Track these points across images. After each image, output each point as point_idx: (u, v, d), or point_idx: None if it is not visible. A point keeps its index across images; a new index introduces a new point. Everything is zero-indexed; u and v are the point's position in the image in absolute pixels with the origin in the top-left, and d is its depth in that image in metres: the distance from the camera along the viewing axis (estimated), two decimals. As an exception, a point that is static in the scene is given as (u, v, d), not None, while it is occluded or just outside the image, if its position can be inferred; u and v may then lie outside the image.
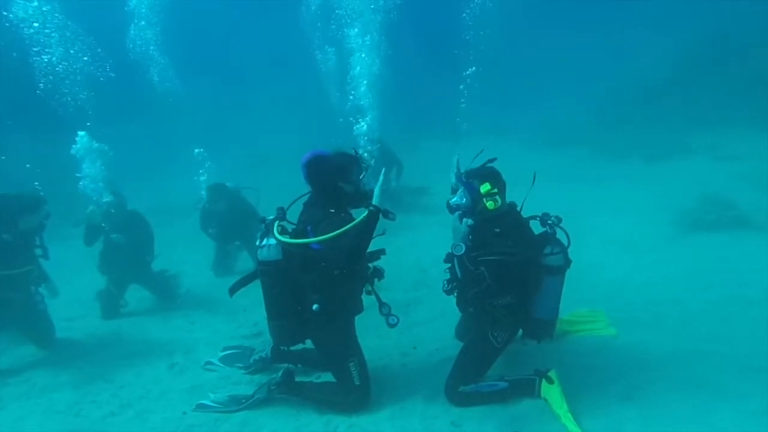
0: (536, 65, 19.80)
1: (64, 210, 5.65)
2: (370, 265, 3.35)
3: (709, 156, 10.13)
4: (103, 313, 5.52)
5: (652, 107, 13.10)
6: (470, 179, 3.27)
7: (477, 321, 3.29)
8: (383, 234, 3.20)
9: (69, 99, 7.16)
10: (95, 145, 5.91)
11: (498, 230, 3.11)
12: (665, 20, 17.41)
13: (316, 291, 3.12)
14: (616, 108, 13.79)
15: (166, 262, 6.22)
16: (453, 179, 3.39)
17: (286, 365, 3.80)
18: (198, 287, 6.26)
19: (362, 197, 3.22)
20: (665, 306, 4.48)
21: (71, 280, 6.08)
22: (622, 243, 6.26)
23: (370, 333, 3.91)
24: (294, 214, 3.30)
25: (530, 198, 3.33)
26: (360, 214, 3.01)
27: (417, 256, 6.29)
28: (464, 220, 3.17)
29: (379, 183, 3.06)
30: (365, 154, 7.42)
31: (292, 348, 3.50)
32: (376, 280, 3.35)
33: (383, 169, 3.14)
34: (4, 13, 6.87)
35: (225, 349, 4.28)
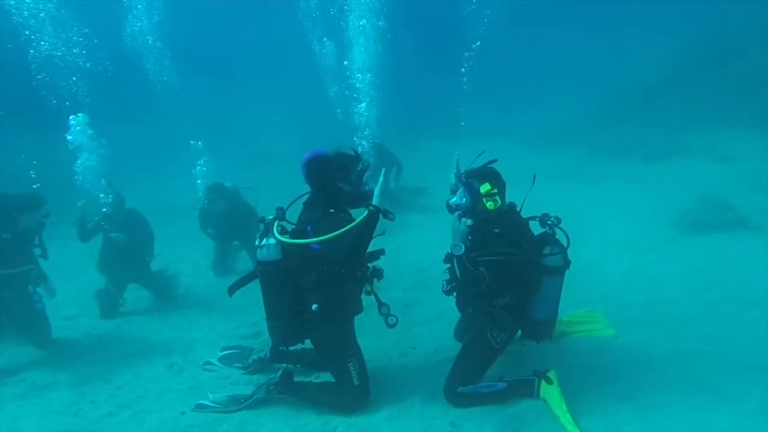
0: (536, 65, 19.81)
1: (63, 209, 5.63)
2: (370, 265, 3.35)
3: (708, 156, 10.14)
4: (101, 313, 5.51)
5: (651, 107, 13.11)
6: (470, 179, 3.26)
7: (476, 321, 3.29)
8: (383, 234, 3.20)
9: (66, 92, 7.11)
10: (89, 131, 5.87)
11: (497, 230, 3.11)
12: (664, 20, 17.42)
13: (315, 291, 3.12)
14: (616, 108, 13.80)
15: (164, 262, 6.22)
16: (453, 179, 3.39)
17: (284, 365, 3.79)
18: (197, 287, 6.26)
19: (362, 197, 3.22)
20: (664, 306, 4.48)
21: (70, 279, 6.08)
22: (621, 243, 6.26)
23: (369, 333, 3.91)
24: (293, 214, 3.29)
25: (529, 198, 3.33)
26: (360, 215, 3.01)
27: (416, 257, 6.29)
28: (463, 220, 3.16)
29: (379, 183, 3.06)
30: (362, 147, 7.45)
31: (291, 348, 3.49)
32: (375, 280, 3.35)
33: (383, 169, 3.13)
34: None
35: (224, 349, 4.27)
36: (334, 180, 3.17)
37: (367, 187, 3.25)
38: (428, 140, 15.13)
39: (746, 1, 13.65)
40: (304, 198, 3.30)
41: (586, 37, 19.57)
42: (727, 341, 3.74)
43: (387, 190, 2.84)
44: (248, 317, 4.98)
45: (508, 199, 3.34)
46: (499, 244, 3.06)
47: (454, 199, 3.35)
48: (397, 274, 5.60)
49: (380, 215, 3.00)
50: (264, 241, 3.14)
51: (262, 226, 3.23)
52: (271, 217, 3.25)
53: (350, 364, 3.25)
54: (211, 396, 3.54)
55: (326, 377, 3.50)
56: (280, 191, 3.97)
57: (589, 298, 4.55)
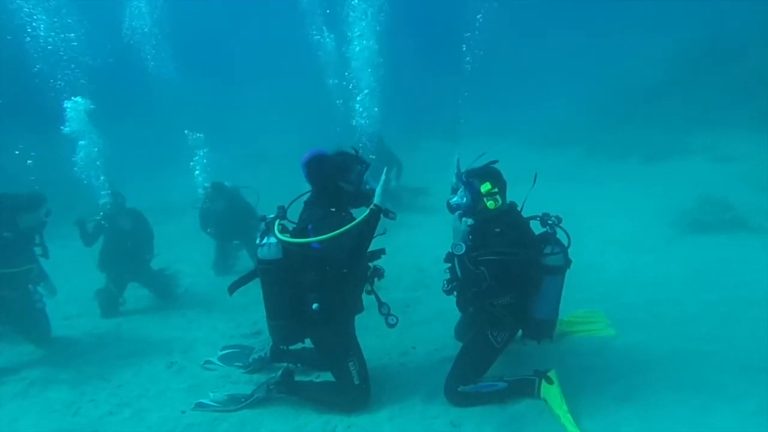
0: (536, 65, 19.82)
1: (63, 209, 5.63)
2: (371, 264, 3.35)
3: (708, 156, 10.16)
4: (101, 312, 5.51)
5: (651, 107, 13.13)
6: (470, 179, 3.26)
7: (477, 321, 3.29)
8: (384, 234, 3.20)
9: (64, 83, 7.06)
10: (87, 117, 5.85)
11: (498, 230, 3.11)
12: (664, 20, 17.43)
13: (316, 290, 3.11)
14: (616, 108, 13.81)
15: (165, 261, 6.22)
16: (453, 179, 3.39)
17: (285, 364, 3.80)
18: (197, 286, 6.26)
19: (363, 196, 3.22)
20: (664, 306, 4.49)
21: (70, 278, 6.07)
22: (621, 243, 6.26)
23: (370, 333, 3.91)
24: (295, 213, 3.29)
25: (530, 198, 3.33)
26: (361, 214, 3.01)
27: (416, 256, 6.29)
28: (464, 219, 3.17)
29: (381, 182, 3.05)
30: (362, 147, 7.45)
31: (292, 347, 3.50)
32: (376, 279, 3.35)
33: (385, 169, 3.12)
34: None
35: (224, 348, 4.27)
36: (335, 179, 3.17)
37: (367, 186, 3.25)
38: (428, 140, 15.14)
39: (746, 1, 13.66)
40: (305, 197, 3.30)
41: (586, 37, 19.59)
42: (727, 341, 3.74)
43: (388, 190, 2.84)
44: (249, 316, 4.98)
45: (508, 199, 3.34)
46: (500, 243, 3.06)
47: (455, 198, 3.35)
48: (398, 273, 5.60)
49: (381, 214, 3.00)
50: (265, 240, 3.14)
51: (263, 224, 3.23)
52: (272, 215, 3.25)
53: (351, 364, 3.24)
54: (211, 395, 3.54)
55: (327, 377, 3.50)
56: (280, 191, 3.98)
57: (590, 298, 4.55)
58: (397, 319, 3.30)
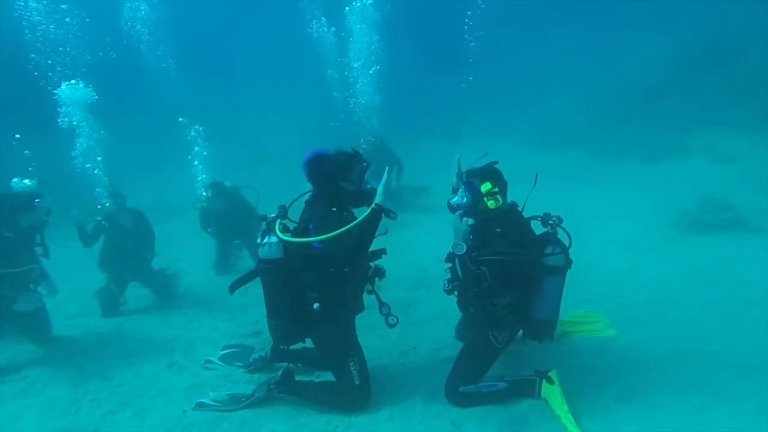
0: (535, 65, 19.82)
1: (63, 209, 5.62)
2: (371, 264, 3.35)
3: (707, 157, 10.16)
4: (102, 311, 5.52)
5: (650, 107, 13.13)
6: (471, 178, 3.27)
7: (477, 321, 3.30)
8: (385, 233, 3.20)
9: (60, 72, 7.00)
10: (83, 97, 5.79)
11: (499, 230, 3.11)
12: (664, 20, 17.43)
13: (316, 290, 3.11)
14: (616, 108, 13.81)
15: (165, 261, 6.23)
16: (454, 179, 3.39)
17: (285, 364, 3.80)
18: (197, 285, 6.27)
19: (364, 196, 3.22)
20: (664, 306, 4.50)
21: (70, 278, 6.08)
22: (621, 243, 6.27)
23: (370, 332, 3.91)
24: (295, 213, 3.29)
25: (530, 198, 3.33)
26: (362, 214, 3.01)
27: (417, 256, 6.29)
28: (465, 219, 3.17)
29: (383, 181, 3.05)
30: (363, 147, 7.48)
31: (292, 347, 3.50)
32: (377, 279, 3.35)
33: (386, 168, 3.12)
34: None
35: (225, 347, 4.27)
36: (336, 179, 3.17)
37: (368, 186, 3.25)
38: (428, 140, 15.13)
39: (746, 1, 13.66)
40: (306, 196, 3.30)
41: (586, 37, 19.58)
42: (727, 341, 3.75)
43: (389, 189, 2.85)
44: (249, 316, 4.99)
45: (509, 199, 3.35)
46: (501, 243, 3.06)
47: (455, 198, 3.36)
48: (399, 273, 5.60)
49: (383, 214, 3.00)
50: (266, 239, 3.14)
51: (264, 224, 3.23)
52: (273, 215, 3.25)
53: (351, 364, 3.25)
54: (211, 394, 3.54)
55: (327, 376, 3.51)
56: (281, 191, 3.98)
57: (590, 298, 4.55)
58: (398, 319, 3.30)
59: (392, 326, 3.28)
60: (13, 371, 4.25)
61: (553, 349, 3.65)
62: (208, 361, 4.13)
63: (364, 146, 8.31)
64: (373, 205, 2.97)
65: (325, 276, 3.09)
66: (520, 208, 3.36)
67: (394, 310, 3.33)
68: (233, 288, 3.42)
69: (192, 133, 7.93)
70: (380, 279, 3.37)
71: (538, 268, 3.15)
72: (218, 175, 7.03)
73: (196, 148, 7.58)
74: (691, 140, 10.90)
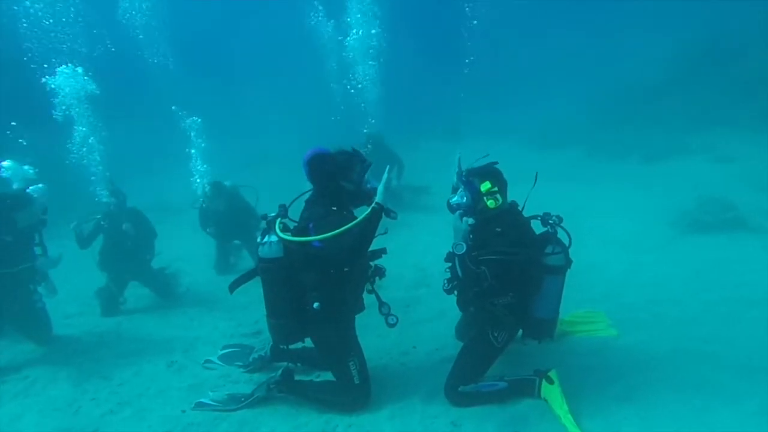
0: (535, 65, 19.83)
1: (63, 209, 5.62)
2: (371, 263, 3.35)
3: (708, 156, 10.16)
4: (102, 311, 5.52)
5: (650, 107, 13.14)
6: (470, 178, 3.27)
7: (477, 320, 3.29)
8: (385, 233, 3.19)
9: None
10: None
11: (499, 229, 3.11)
12: (664, 20, 17.44)
13: (316, 289, 3.11)
14: (616, 108, 13.82)
15: (165, 260, 6.22)
16: (454, 178, 3.39)
17: (285, 364, 3.79)
18: (197, 285, 6.26)
19: (364, 195, 3.22)
20: (664, 306, 4.49)
21: (70, 277, 6.06)
22: (621, 243, 6.27)
23: (370, 332, 3.91)
24: (296, 213, 3.29)
25: (530, 198, 3.33)
26: (362, 213, 3.00)
27: (417, 255, 6.29)
28: (465, 219, 3.17)
29: (384, 181, 3.04)
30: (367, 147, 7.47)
31: (292, 346, 3.49)
32: (377, 278, 3.35)
33: (387, 167, 3.11)
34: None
35: (224, 347, 4.27)
36: (336, 178, 3.17)
37: (369, 185, 3.24)
38: (428, 140, 15.13)
39: (746, 1, 13.66)
40: (306, 196, 3.30)
41: (586, 37, 19.59)
42: (728, 341, 3.74)
43: (389, 189, 2.84)
44: (249, 315, 4.98)
45: (509, 199, 3.34)
46: (501, 243, 3.06)
47: (455, 198, 3.36)
48: (399, 272, 5.60)
49: (383, 213, 2.99)
50: (266, 238, 3.14)
51: (264, 223, 3.22)
52: (273, 214, 3.24)
53: (351, 363, 3.24)
54: (211, 394, 3.54)
55: (327, 376, 3.50)
56: (281, 190, 3.98)
57: (590, 298, 4.55)
58: (397, 318, 3.30)
59: (392, 326, 3.28)
60: (13, 371, 4.25)
61: (553, 349, 3.65)
62: (207, 361, 4.12)
63: (369, 146, 8.31)
64: (373, 205, 2.97)
65: (325, 275, 3.09)
66: (520, 208, 3.35)
67: (394, 309, 3.33)
68: (233, 287, 3.41)
69: (187, 122, 7.85)
70: (380, 278, 3.37)
71: (538, 267, 3.14)
72: (218, 174, 7.02)
73: (193, 136, 7.50)
74: (691, 140, 10.90)
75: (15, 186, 4.64)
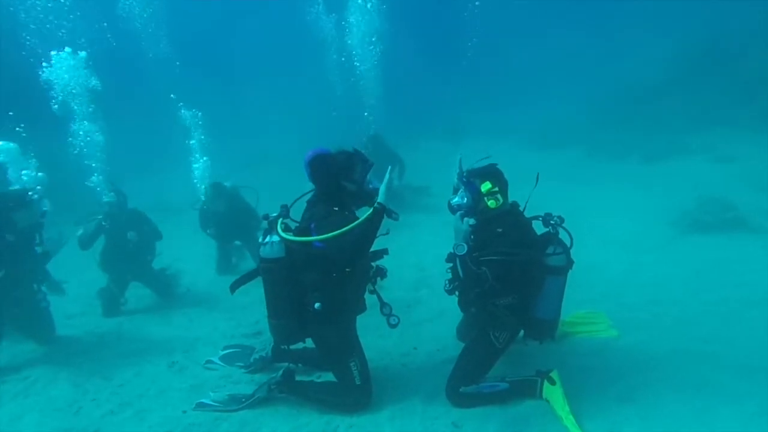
0: (535, 65, 19.84)
1: (63, 209, 5.60)
2: (373, 264, 3.35)
3: (708, 157, 10.17)
4: (103, 311, 5.51)
5: (650, 108, 13.14)
6: (471, 178, 3.26)
7: (478, 321, 3.29)
8: (387, 234, 3.19)
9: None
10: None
11: (500, 230, 3.11)
12: (664, 20, 17.45)
13: (318, 289, 3.11)
14: (616, 108, 13.84)
15: (166, 261, 6.22)
16: (455, 179, 3.39)
17: (286, 364, 3.79)
18: (198, 285, 6.26)
19: (366, 196, 3.22)
20: (664, 306, 4.50)
21: (72, 278, 6.07)
22: (622, 243, 6.27)
23: (371, 332, 3.91)
24: (297, 214, 3.29)
25: (531, 198, 3.33)
26: (364, 214, 3.00)
27: (418, 256, 6.29)
28: (466, 219, 3.16)
29: (386, 181, 3.04)
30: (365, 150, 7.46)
31: (293, 347, 3.49)
32: (378, 279, 3.35)
33: (389, 168, 3.11)
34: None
35: (225, 347, 4.27)
36: (338, 178, 3.17)
37: (370, 186, 3.24)
38: (428, 140, 15.13)
39: (746, 1, 13.67)
40: (308, 196, 3.30)
41: (586, 37, 19.60)
42: (728, 341, 3.75)
43: (391, 189, 2.84)
44: (250, 316, 4.99)
45: (510, 199, 3.34)
46: (502, 243, 3.06)
47: (456, 199, 3.35)
48: (400, 273, 5.59)
49: (385, 214, 2.99)
50: (268, 239, 3.13)
51: (265, 223, 3.22)
52: (274, 214, 3.24)
53: (352, 364, 3.24)
54: (212, 395, 3.54)
55: (328, 377, 3.50)
56: (281, 191, 3.98)
57: (590, 298, 4.55)
58: (399, 319, 3.30)
59: (394, 326, 3.28)
60: (13, 371, 4.24)
61: (554, 350, 3.65)
62: (208, 362, 4.12)
63: (370, 147, 8.32)
64: (375, 205, 2.97)
65: (327, 276, 3.09)
66: (521, 208, 3.35)
67: (396, 310, 3.33)
68: (234, 287, 3.41)
69: (183, 111, 7.80)
70: (382, 279, 3.37)
71: (540, 268, 3.14)
72: (218, 173, 7.01)
73: (192, 127, 7.46)
74: (691, 140, 10.91)
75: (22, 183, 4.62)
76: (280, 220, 3.16)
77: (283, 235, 3.05)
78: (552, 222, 3.21)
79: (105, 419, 3.47)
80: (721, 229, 6.35)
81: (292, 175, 3.92)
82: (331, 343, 3.29)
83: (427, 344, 4.11)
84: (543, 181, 3.40)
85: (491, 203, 3.18)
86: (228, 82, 20.34)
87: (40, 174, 4.53)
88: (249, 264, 6.57)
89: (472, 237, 3.16)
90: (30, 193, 4.43)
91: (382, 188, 3.02)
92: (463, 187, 3.31)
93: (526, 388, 3.22)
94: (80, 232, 5.43)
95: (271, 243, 3.12)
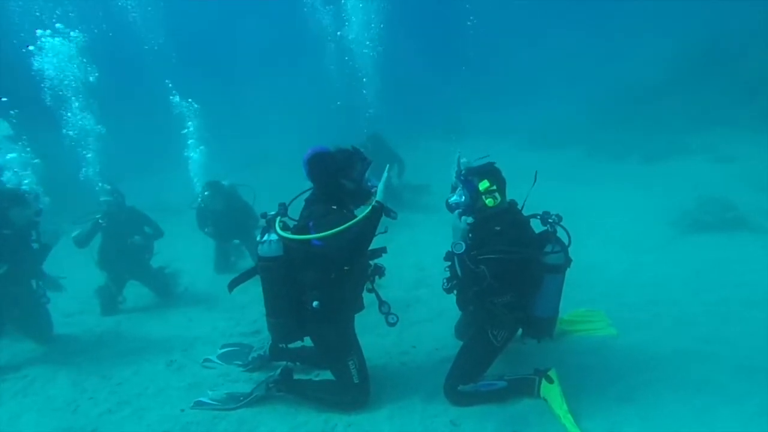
0: (535, 65, 19.83)
1: (63, 209, 5.60)
2: (371, 262, 3.34)
3: (708, 157, 10.15)
4: (101, 310, 5.52)
5: (651, 107, 13.13)
6: (469, 176, 3.26)
7: (477, 319, 3.29)
8: (385, 232, 3.19)
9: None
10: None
11: (498, 228, 3.10)
12: (664, 21, 17.44)
13: (316, 288, 3.10)
14: (616, 108, 13.82)
15: (164, 259, 6.21)
16: (454, 177, 3.39)
17: (284, 363, 3.79)
18: (197, 284, 6.26)
19: (364, 194, 3.21)
20: (664, 306, 4.48)
21: (70, 276, 6.06)
22: (622, 243, 6.26)
23: (370, 331, 3.91)
24: (295, 212, 3.28)
25: (530, 198, 3.32)
26: (362, 212, 3.00)
27: (417, 255, 6.29)
28: (464, 218, 3.16)
29: (384, 179, 3.03)
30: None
31: (291, 346, 3.49)
32: (377, 277, 3.34)
33: (387, 166, 3.10)
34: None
35: (224, 346, 4.26)
36: (337, 177, 3.16)
37: (369, 184, 3.24)
38: (428, 140, 15.12)
39: (746, 1, 13.66)
40: (307, 194, 3.29)
41: (586, 37, 19.60)
42: (728, 341, 3.73)
43: (390, 187, 2.82)
44: (248, 314, 4.98)
45: (508, 199, 3.34)
46: (500, 242, 3.05)
47: (454, 197, 3.35)
48: (398, 272, 5.59)
49: (383, 212, 2.98)
50: (266, 237, 3.13)
51: (263, 221, 3.21)
52: (272, 212, 3.23)
53: (350, 362, 3.24)
54: (210, 393, 3.53)
55: (326, 375, 3.50)
56: (281, 190, 3.97)
57: (590, 298, 4.54)
58: (397, 318, 3.29)
59: (392, 325, 3.28)
60: (12, 370, 4.25)
61: (552, 348, 3.64)
62: (206, 360, 4.12)
63: (369, 145, 8.31)
64: (373, 203, 2.96)
65: (325, 274, 3.08)
66: (519, 207, 3.35)
67: (394, 308, 3.32)
68: (232, 286, 3.41)
69: (176, 99, 7.74)
70: (380, 277, 3.37)
71: (538, 266, 3.14)
72: (216, 171, 7.01)
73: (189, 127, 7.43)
74: (691, 140, 10.89)
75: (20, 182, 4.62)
76: (278, 219, 3.15)
77: (282, 233, 3.05)
78: (550, 220, 3.20)
79: (103, 418, 3.46)
80: (721, 229, 6.34)
81: (292, 174, 3.91)
82: (330, 341, 3.29)
83: (426, 343, 4.11)
84: (543, 181, 3.40)
85: (489, 201, 3.17)
86: (228, 82, 20.33)
87: (36, 160, 4.50)
88: (247, 262, 6.56)
89: (470, 235, 3.15)
90: (26, 193, 4.43)
91: (380, 186, 3.01)
92: (461, 185, 3.31)
93: (524, 387, 3.21)
94: (75, 233, 5.43)
95: (270, 241, 3.11)
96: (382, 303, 3.31)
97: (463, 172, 3.33)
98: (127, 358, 4.32)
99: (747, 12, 13.52)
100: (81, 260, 5.82)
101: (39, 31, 5.33)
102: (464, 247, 3.07)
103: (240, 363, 3.97)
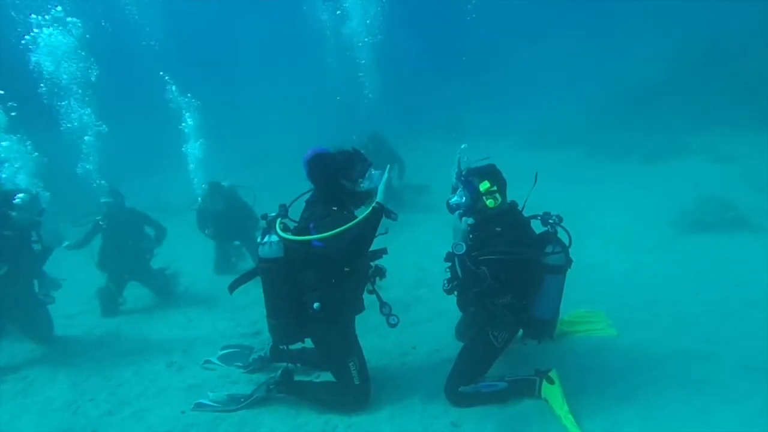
0: (535, 65, 19.84)
1: (63, 208, 5.59)
2: (372, 263, 3.34)
3: (708, 157, 10.15)
4: (102, 311, 5.51)
5: (650, 108, 13.13)
6: (469, 177, 3.26)
7: (477, 320, 3.28)
8: (385, 233, 3.18)
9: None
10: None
11: (499, 229, 3.10)
12: (664, 21, 17.45)
13: (317, 289, 3.10)
14: (616, 108, 13.82)
15: (164, 260, 6.21)
16: (454, 178, 3.38)
17: (285, 364, 3.79)
18: (197, 285, 6.26)
19: (365, 195, 3.21)
20: (664, 306, 4.48)
21: (70, 277, 6.05)
22: (622, 243, 6.26)
23: (370, 332, 3.90)
24: (296, 213, 3.28)
25: (530, 198, 3.32)
26: (363, 213, 2.99)
27: (417, 255, 6.28)
28: (465, 218, 3.15)
29: (384, 180, 3.02)
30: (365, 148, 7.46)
31: (292, 347, 3.48)
32: (377, 278, 3.34)
33: (387, 166, 3.10)
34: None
35: (224, 347, 4.26)
36: (337, 178, 3.16)
37: (366, 183, 3.23)
38: (428, 140, 15.13)
39: (746, 1, 13.66)
40: (307, 196, 3.29)
41: (586, 37, 19.61)
42: (728, 341, 3.73)
43: (390, 188, 2.82)
44: (248, 316, 4.98)
45: (509, 199, 3.33)
46: (501, 242, 3.05)
47: (454, 198, 3.34)
48: (399, 272, 5.58)
49: (383, 213, 2.98)
50: (266, 238, 3.13)
51: (264, 222, 3.21)
52: (273, 214, 3.23)
53: (351, 364, 3.24)
54: (211, 395, 3.53)
55: (327, 376, 3.50)
56: (281, 191, 3.97)
57: (590, 298, 4.54)
58: (398, 319, 3.29)
59: (393, 326, 3.27)
60: (12, 371, 4.25)
61: (553, 349, 3.64)
62: (207, 361, 4.12)
63: (370, 146, 8.32)
64: (374, 204, 2.96)
65: (326, 275, 3.08)
66: (520, 208, 3.34)
67: (395, 309, 3.32)
68: (233, 287, 3.40)
69: (173, 89, 7.67)
70: (381, 278, 3.36)
71: (538, 267, 3.14)
72: (216, 171, 7.01)
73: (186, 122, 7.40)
74: (691, 140, 10.89)
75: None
76: (278, 220, 3.15)
77: (282, 234, 3.05)
78: (550, 221, 3.20)
79: (103, 419, 3.47)
80: (721, 229, 6.34)
81: (292, 175, 3.90)
82: (330, 342, 3.29)
83: (426, 344, 4.10)
84: (543, 181, 3.39)
85: (490, 202, 3.17)
86: (228, 81, 20.33)
87: (35, 154, 4.49)
88: (248, 264, 6.56)
89: (470, 236, 3.15)
90: (19, 197, 4.42)
91: (380, 187, 3.00)
92: (461, 186, 3.31)
93: (524, 388, 3.21)
94: (68, 242, 5.44)
95: (270, 243, 3.11)
96: (383, 304, 3.31)
97: (463, 172, 3.32)
98: (128, 359, 4.32)
99: (747, 12, 13.52)
100: (81, 261, 5.82)
101: (34, 16, 5.19)
102: (465, 248, 3.07)
103: (240, 364, 3.97)
